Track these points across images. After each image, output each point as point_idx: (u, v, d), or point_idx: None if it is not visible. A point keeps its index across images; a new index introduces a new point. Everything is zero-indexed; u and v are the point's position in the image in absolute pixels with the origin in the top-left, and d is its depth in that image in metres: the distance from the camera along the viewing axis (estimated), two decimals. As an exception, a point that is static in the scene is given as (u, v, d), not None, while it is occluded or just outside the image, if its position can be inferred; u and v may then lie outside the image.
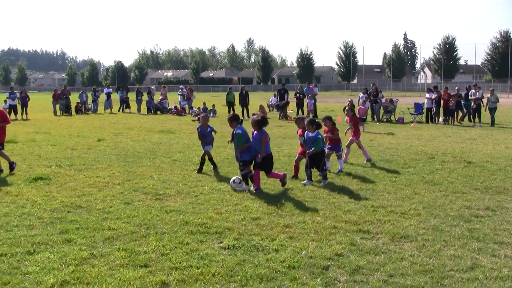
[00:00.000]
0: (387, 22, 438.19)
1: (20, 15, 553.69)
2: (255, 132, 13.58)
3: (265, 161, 13.43)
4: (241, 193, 12.89)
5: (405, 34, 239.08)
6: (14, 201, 12.19)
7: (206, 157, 16.28)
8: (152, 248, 8.69)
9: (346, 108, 19.30)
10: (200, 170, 15.78)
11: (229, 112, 40.81)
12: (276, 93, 44.24)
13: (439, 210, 11.23)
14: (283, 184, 13.54)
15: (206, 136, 16.49)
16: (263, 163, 13.36)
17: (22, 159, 18.44)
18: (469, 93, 34.96)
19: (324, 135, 15.77)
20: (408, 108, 39.04)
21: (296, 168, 15.13)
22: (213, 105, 45.70)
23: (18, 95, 42.80)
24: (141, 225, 10.14)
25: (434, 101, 35.37)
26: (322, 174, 14.24)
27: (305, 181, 14.08)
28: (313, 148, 14.21)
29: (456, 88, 37.11)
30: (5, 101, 41.93)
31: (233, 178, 13.63)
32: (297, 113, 40.04)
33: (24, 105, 42.27)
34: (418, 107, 37.44)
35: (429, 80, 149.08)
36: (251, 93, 48.76)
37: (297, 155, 15.43)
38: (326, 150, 15.86)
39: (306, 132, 14.65)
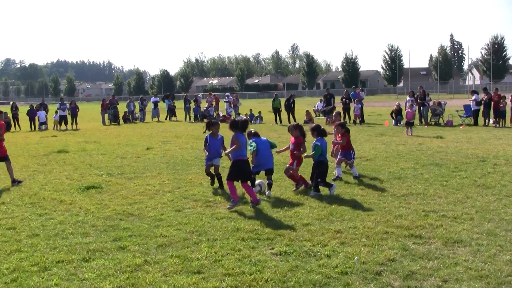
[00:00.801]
0: (432, 24, 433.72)
1: (68, 28, 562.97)
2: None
3: (237, 167, 12.65)
4: (291, 199, 12.91)
5: (451, 35, 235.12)
6: (68, 209, 12.42)
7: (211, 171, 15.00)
8: (204, 255, 8.77)
9: (334, 113, 19.05)
10: (213, 182, 14.92)
11: (275, 118, 40.89)
12: (323, 98, 44.14)
13: (493, 214, 11.07)
14: (252, 205, 12.25)
15: (215, 147, 14.77)
16: (234, 171, 12.64)
17: (74, 168, 18.79)
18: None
19: (335, 140, 15.74)
20: (457, 111, 38.56)
21: (294, 177, 14.31)
22: (259, 112, 45.80)
23: (68, 105, 43.55)
24: (193, 232, 10.24)
25: (483, 102, 34.88)
26: (313, 184, 13.67)
27: (312, 193, 13.46)
28: (311, 154, 13.85)
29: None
30: (56, 112, 42.69)
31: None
32: (344, 118, 39.86)
33: (74, 115, 42.94)
34: (467, 109, 36.91)
35: (477, 82, 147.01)
36: (296, 99, 48.72)
37: (287, 165, 14.58)
38: (338, 157, 15.75)
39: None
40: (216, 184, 14.65)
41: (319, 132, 13.95)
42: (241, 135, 12.93)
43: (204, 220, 11.09)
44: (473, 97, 35.53)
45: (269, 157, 13.87)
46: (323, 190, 13.49)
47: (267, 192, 13.49)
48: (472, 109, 35.45)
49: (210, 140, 14.77)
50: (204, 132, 15.15)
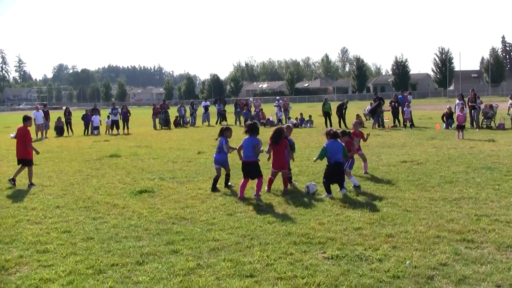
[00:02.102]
0: (484, 26, 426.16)
1: (119, 33, 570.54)
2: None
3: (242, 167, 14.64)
4: (343, 203, 12.92)
5: (503, 37, 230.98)
6: (121, 213, 12.62)
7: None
8: (256, 259, 8.83)
9: (354, 122, 18.49)
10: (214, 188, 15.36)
11: (325, 122, 40.81)
12: (372, 102, 43.84)
13: (548, 218, 10.92)
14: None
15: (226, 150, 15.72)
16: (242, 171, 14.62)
17: (126, 173, 19.06)
18: None
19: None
20: (509, 114, 37.93)
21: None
22: (310, 116, 45.65)
23: (119, 110, 44.12)
24: (245, 236, 10.31)
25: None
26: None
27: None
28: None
29: None
30: (108, 116, 43.29)
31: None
32: (394, 122, 39.65)
33: (126, 120, 43.47)
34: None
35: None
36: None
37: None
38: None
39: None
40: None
41: (329, 135, 14.53)
42: (247, 138, 14.51)
43: (256, 224, 11.16)
44: None
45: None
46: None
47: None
48: None
49: (226, 142, 15.75)
50: (216, 139, 16.15)
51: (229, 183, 15.61)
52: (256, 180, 14.23)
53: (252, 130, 14.60)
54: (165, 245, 9.87)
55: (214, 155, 15.83)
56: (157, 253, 9.35)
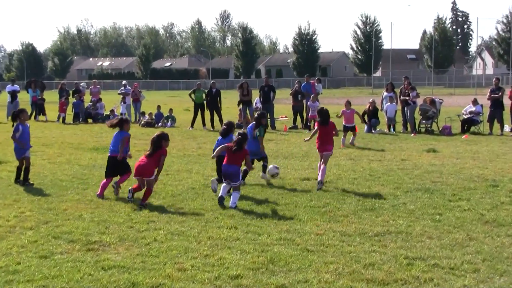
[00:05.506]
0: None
1: None
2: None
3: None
4: (212, 240, 12.87)
5: (453, 3, 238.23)
6: None
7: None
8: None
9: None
10: (25, 180, 19.22)
11: (194, 118, 40.17)
12: (260, 92, 43.17)
13: (507, 264, 11.23)
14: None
15: (25, 138, 19.29)
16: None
17: None
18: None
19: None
20: (458, 115, 38.72)
21: None
22: (170, 110, 44.87)
23: None
24: (66, 290, 10.12)
25: (490, 103, 35.41)
26: None
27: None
28: None
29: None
30: None
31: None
32: (294, 121, 39.89)
33: None
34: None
35: (489, 70, 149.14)
36: (227, 92, 48.64)
37: None
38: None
39: None
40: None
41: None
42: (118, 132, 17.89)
43: (84, 271, 10.92)
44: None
45: None
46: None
47: None
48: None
49: (23, 128, 19.23)
50: (13, 125, 19.12)
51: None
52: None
53: (120, 125, 17.90)
54: None
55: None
56: None
